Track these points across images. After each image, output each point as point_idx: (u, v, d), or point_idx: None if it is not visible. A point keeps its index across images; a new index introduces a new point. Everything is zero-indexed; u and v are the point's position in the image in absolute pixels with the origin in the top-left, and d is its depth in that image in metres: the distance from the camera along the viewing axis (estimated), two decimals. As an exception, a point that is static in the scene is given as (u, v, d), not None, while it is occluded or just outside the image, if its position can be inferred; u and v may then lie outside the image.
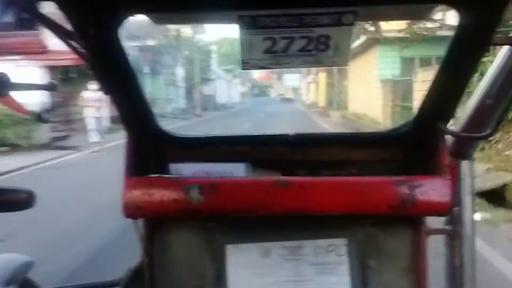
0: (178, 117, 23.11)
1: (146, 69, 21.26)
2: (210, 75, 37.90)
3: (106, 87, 1.10)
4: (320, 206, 1.14)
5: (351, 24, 0.94)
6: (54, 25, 0.93)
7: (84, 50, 0.97)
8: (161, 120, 1.28)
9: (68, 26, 0.93)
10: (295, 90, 73.47)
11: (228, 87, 53.26)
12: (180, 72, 30.19)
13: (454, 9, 0.93)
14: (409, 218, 1.24)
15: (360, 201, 1.14)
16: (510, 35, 1.10)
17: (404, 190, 1.13)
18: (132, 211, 1.16)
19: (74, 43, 0.96)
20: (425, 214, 1.22)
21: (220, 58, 57.43)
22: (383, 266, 1.26)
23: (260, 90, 73.56)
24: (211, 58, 39.55)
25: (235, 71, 60.82)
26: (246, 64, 1.02)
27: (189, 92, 31.49)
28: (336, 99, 23.99)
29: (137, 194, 1.15)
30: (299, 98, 58.93)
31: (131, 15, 0.94)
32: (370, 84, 15.82)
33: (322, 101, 25.93)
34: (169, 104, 26.46)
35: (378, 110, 14.59)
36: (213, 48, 44.62)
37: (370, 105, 15.64)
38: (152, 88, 21.85)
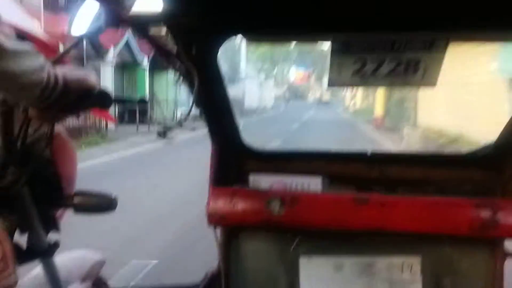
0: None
1: (144, 61, 16.70)
2: (237, 75, 31.86)
3: (201, 102, 1.21)
4: (398, 224, 1.21)
5: (443, 49, 1.00)
6: (160, 45, 1.05)
7: (185, 68, 1.08)
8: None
9: (171, 47, 1.05)
10: (336, 94, 65.56)
11: (259, 89, 45.80)
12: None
13: None
14: (486, 240, 1.28)
15: (441, 222, 1.20)
16: None
17: (485, 212, 1.17)
18: (216, 219, 1.27)
19: (176, 62, 1.08)
20: (506, 237, 1.26)
21: (251, 56, 51.09)
22: (457, 286, 1.30)
23: (297, 93, 68.72)
24: (239, 54, 33.93)
25: (268, 71, 53.64)
26: (333, 82, 1.10)
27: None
28: (399, 107, 18.65)
29: (221, 203, 1.26)
30: (340, 103, 52.48)
31: (232, 36, 1.07)
32: (471, 87, 10.33)
33: (378, 110, 20.15)
34: (178, 106, 20.47)
35: (486, 127, 7.55)
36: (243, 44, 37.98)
37: (468, 118, 10.13)
38: (157, 86, 18.23)
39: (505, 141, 1.27)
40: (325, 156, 1.45)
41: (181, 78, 1.13)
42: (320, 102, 54.68)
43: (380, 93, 19.60)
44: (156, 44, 1.04)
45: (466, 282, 1.30)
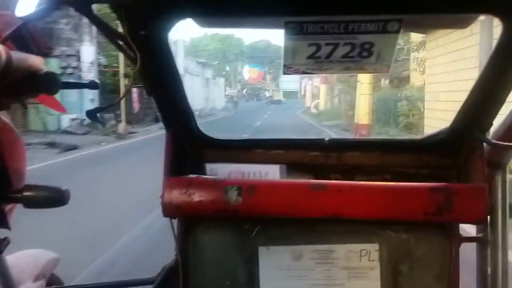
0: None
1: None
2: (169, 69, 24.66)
3: (151, 88, 1.23)
4: (356, 211, 1.27)
5: (396, 32, 1.06)
6: (105, 26, 1.05)
7: (132, 52, 1.08)
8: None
9: (118, 28, 1.07)
10: (293, 94, 60.51)
11: (206, 88, 38.04)
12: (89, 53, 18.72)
13: (498, 18, 1.03)
14: (442, 225, 1.37)
15: (396, 207, 1.26)
16: None
17: (440, 197, 1.24)
18: (171, 210, 1.29)
19: (123, 44, 1.08)
20: (460, 222, 1.34)
21: (193, 49, 44.27)
22: (415, 272, 1.38)
23: (252, 93, 65.70)
24: (176, 45, 27.15)
25: (219, 69, 46.56)
26: (288, 69, 1.14)
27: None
28: (392, 111, 15.45)
29: (177, 194, 1.27)
30: (300, 103, 48.41)
31: (181, 19, 1.08)
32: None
33: (362, 114, 15.73)
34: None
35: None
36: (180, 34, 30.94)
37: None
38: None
39: (459, 125, 1.35)
40: (283, 145, 1.50)
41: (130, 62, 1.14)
42: (272, 101, 52.25)
43: (363, 94, 15.72)
44: (100, 24, 1.02)
45: (423, 268, 1.38)
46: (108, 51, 18.14)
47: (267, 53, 62.90)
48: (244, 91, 59.17)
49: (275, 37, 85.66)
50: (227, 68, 60.92)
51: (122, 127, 16.56)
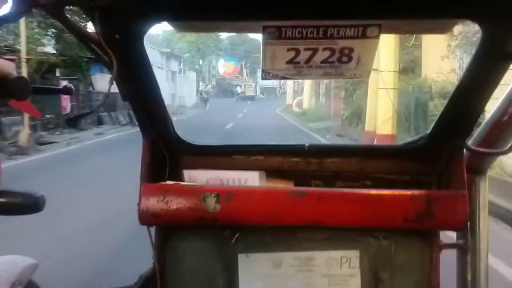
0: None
1: None
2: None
3: (127, 92, 1.27)
4: (336, 218, 1.35)
5: (376, 37, 1.12)
6: (78, 29, 1.09)
7: (107, 56, 1.12)
8: None
9: (92, 31, 1.11)
10: (272, 90, 60.66)
11: (172, 84, 37.41)
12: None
13: (477, 24, 1.11)
14: (422, 231, 1.45)
15: (377, 214, 1.34)
16: None
17: (421, 204, 1.32)
18: (148, 218, 1.35)
19: (97, 48, 1.12)
20: (441, 229, 1.43)
21: (167, 43, 43.76)
22: (395, 279, 1.46)
23: (227, 89, 65.04)
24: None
25: (191, 62, 46.12)
26: (267, 74, 1.20)
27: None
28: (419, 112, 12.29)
29: (154, 201, 1.34)
30: (279, 100, 48.65)
31: (157, 23, 1.14)
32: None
33: (383, 122, 11.79)
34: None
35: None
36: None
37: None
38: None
39: (440, 132, 1.43)
40: (263, 151, 1.57)
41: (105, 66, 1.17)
42: (248, 97, 51.29)
43: (385, 88, 11.47)
44: (73, 27, 1.07)
45: (403, 274, 1.46)
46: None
47: (245, 47, 63.04)
48: (208, 87, 58.27)
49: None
50: (200, 62, 60.48)
51: (23, 136, 12.17)
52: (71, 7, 1.05)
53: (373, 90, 12.56)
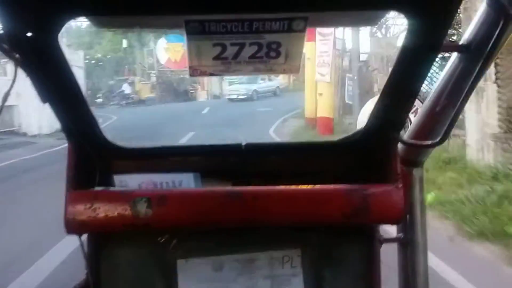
0: None
1: None
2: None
3: (44, 94, 1.21)
4: (274, 217, 1.32)
5: (302, 30, 1.10)
6: None
7: (18, 54, 1.07)
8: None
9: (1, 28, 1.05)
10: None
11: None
12: None
13: (404, 16, 1.10)
14: (362, 227, 1.46)
15: (314, 211, 1.33)
16: (459, 42, 1.29)
17: (357, 198, 1.31)
18: (75, 227, 1.29)
19: (6, 46, 1.06)
20: (378, 223, 1.43)
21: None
22: (337, 275, 1.46)
23: (177, 88, 38.49)
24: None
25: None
26: (195, 71, 1.17)
27: None
28: None
29: (80, 209, 1.28)
30: (268, 108, 26.11)
31: (72, 19, 1.07)
32: None
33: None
34: None
35: None
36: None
37: None
38: None
39: (374, 125, 1.42)
40: (198, 151, 1.53)
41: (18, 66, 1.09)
42: (210, 101, 34.71)
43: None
44: None
45: (344, 271, 1.46)
46: None
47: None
48: (157, 86, 37.02)
49: None
50: (124, 44, 38.62)
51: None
52: None
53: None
